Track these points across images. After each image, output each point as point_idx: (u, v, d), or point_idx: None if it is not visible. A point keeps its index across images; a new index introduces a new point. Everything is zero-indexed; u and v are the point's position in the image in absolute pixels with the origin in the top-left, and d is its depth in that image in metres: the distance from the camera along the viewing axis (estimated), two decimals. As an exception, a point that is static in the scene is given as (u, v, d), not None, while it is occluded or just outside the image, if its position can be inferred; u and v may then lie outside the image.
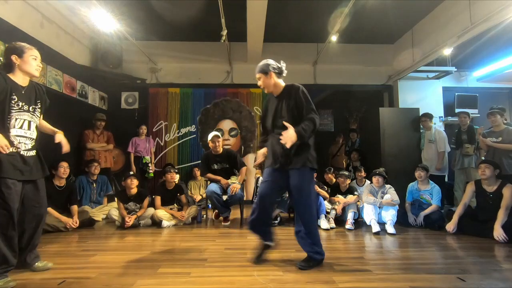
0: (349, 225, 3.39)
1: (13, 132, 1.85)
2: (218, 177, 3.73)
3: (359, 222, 3.67)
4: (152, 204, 3.75)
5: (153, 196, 3.84)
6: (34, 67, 1.94)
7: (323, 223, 3.39)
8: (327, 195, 3.78)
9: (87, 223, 3.56)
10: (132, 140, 4.93)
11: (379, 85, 5.90)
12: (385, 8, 4.29)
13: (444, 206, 4.28)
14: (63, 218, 3.25)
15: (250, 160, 5.44)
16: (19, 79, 1.91)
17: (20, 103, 1.88)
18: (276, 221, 3.65)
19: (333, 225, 3.46)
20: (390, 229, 3.20)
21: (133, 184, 3.64)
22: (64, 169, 3.39)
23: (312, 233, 2.16)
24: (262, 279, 1.88)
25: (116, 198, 3.73)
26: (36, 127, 2.00)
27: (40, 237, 2.10)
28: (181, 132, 5.71)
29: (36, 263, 2.04)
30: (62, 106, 4.25)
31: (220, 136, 3.88)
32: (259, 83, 2.23)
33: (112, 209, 3.58)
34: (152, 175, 5.02)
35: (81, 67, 4.80)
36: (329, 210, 3.67)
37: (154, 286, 1.81)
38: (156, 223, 3.59)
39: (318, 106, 6.72)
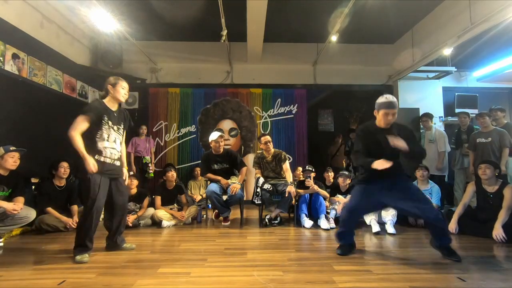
0: (349, 225, 3.38)
1: (106, 144, 2.35)
2: (218, 177, 3.73)
3: (359, 222, 3.66)
4: (152, 204, 3.75)
5: (153, 196, 3.83)
6: (122, 95, 2.46)
7: (323, 223, 3.39)
8: (327, 195, 3.77)
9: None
10: (132, 140, 4.93)
11: (379, 85, 5.90)
12: (385, 8, 4.29)
13: (444, 206, 4.28)
14: (63, 218, 3.25)
15: (250, 160, 5.44)
16: (110, 103, 2.44)
17: (110, 122, 2.38)
18: (276, 221, 3.65)
19: (333, 225, 3.45)
20: (390, 229, 3.20)
21: (133, 184, 3.64)
22: (64, 169, 3.39)
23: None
24: (262, 279, 1.88)
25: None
26: (121, 143, 2.53)
27: (125, 224, 2.64)
28: (181, 132, 5.71)
29: (124, 245, 2.54)
30: (62, 106, 4.26)
31: (223, 135, 3.88)
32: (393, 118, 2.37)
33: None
34: (152, 175, 5.01)
35: (81, 67, 4.81)
36: (329, 210, 3.67)
37: (154, 286, 1.81)
38: (156, 223, 3.59)
39: (318, 106, 6.76)
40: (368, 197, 2.42)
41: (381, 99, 2.38)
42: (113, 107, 2.45)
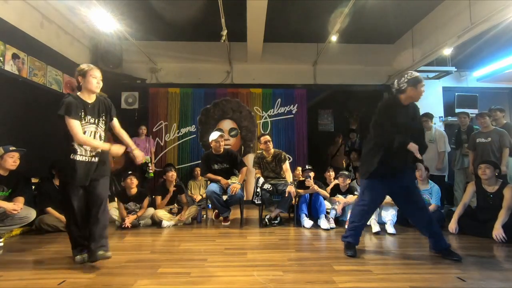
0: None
1: None
2: (218, 177, 3.73)
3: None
4: (152, 204, 3.75)
5: (153, 196, 3.83)
6: (94, 85, 2.22)
7: (323, 223, 3.39)
8: (327, 195, 3.77)
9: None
10: (132, 140, 4.90)
11: (379, 85, 5.90)
12: (385, 8, 4.28)
13: (444, 206, 4.28)
14: (63, 218, 3.24)
15: (250, 160, 5.43)
16: (85, 96, 2.22)
17: (88, 117, 2.18)
18: (276, 221, 3.65)
19: (333, 225, 3.46)
20: (390, 229, 3.20)
21: (133, 184, 3.64)
22: (64, 169, 3.38)
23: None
24: (262, 279, 1.88)
25: (116, 198, 3.72)
26: (100, 136, 2.27)
27: (105, 229, 2.23)
28: (181, 132, 5.70)
29: (99, 252, 2.14)
30: (62, 106, 4.25)
31: (224, 135, 3.88)
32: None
33: (112, 209, 3.56)
34: (152, 175, 5.01)
35: (81, 67, 4.80)
36: (329, 210, 3.67)
37: (154, 286, 1.81)
38: (156, 223, 3.59)
39: (318, 106, 6.74)
40: (381, 194, 2.49)
41: (413, 74, 2.31)
42: (89, 99, 2.23)
